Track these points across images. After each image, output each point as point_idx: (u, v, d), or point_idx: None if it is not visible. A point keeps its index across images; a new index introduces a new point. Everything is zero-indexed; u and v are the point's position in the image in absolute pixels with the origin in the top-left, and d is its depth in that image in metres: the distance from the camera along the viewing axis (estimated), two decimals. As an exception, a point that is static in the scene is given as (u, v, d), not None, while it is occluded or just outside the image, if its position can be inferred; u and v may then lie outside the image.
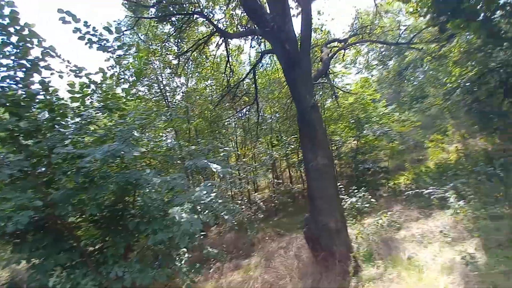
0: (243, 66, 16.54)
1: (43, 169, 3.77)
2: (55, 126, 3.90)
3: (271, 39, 5.42)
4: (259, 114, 11.61)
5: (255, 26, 6.08)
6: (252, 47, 13.13)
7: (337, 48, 8.72)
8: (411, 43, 8.61)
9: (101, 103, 3.83)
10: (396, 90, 20.29)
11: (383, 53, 19.00)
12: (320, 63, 7.70)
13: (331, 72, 10.27)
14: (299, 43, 5.61)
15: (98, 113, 3.90)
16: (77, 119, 4.00)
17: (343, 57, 11.08)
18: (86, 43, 3.84)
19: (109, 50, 4.02)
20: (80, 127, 3.75)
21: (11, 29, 3.59)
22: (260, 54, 8.47)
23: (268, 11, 5.53)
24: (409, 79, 18.94)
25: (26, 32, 3.70)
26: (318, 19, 9.85)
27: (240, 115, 16.02)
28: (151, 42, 12.69)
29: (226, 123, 16.02)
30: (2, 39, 3.61)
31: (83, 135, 3.84)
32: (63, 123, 3.98)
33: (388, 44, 10.73)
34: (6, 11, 3.54)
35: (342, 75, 14.74)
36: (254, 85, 8.92)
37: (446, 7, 5.73)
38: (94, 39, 3.89)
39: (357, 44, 10.48)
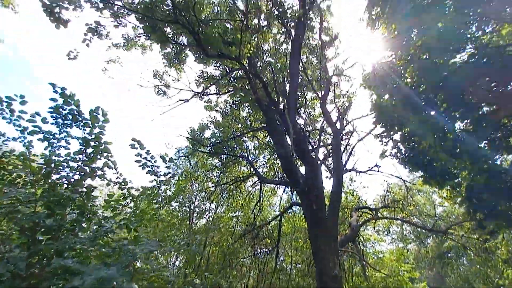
0: (273, 207, 16.91)
1: (36, 271, 3.59)
2: (76, 228, 4.02)
3: (300, 195, 5.71)
4: (277, 261, 10.57)
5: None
6: (285, 193, 13.81)
7: (368, 218, 8.60)
8: (449, 229, 8.13)
9: (125, 220, 3.99)
10: (439, 273, 17.43)
11: (419, 229, 17.98)
12: (349, 227, 7.48)
13: (360, 236, 9.71)
14: (328, 204, 5.76)
15: (118, 227, 3.99)
16: (96, 227, 4.12)
17: (374, 223, 10.73)
18: (139, 166, 4.51)
19: (157, 175, 4.60)
20: (95, 237, 3.77)
21: (91, 143, 4.50)
22: (290, 203, 8.75)
23: (304, 171, 6.18)
24: (452, 265, 16.57)
25: (102, 147, 4.58)
26: (350, 184, 10.47)
27: (258, 256, 14.86)
28: (198, 168, 14.41)
29: (241, 260, 14.77)
30: (80, 148, 4.49)
31: (93, 246, 3.80)
32: (85, 226, 4.11)
33: (423, 229, 10.24)
34: (95, 129, 4.58)
35: (374, 241, 13.71)
36: (278, 230, 8.70)
37: (481, 204, 5.71)
38: (149, 163, 4.57)
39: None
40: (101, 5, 5.32)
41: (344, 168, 6.88)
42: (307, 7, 6.81)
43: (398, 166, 8.67)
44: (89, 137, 4.49)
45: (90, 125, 4.50)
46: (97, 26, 5.65)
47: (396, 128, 7.33)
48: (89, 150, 4.57)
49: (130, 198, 4.74)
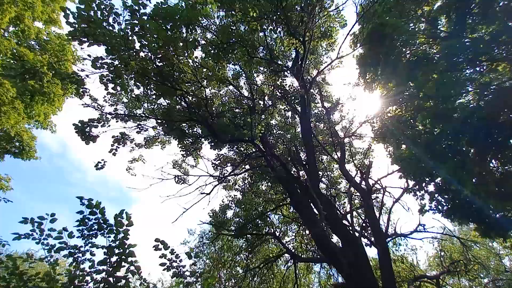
0: (312, 286, 14.86)
1: None
2: None
3: (342, 274, 4.98)
4: None
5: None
6: (323, 268, 12.27)
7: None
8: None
9: None
10: None
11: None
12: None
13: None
14: (380, 280, 4.94)
15: None
16: None
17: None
18: (164, 269, 4.21)
19: (182, 275, 4.24)
20: None
21: (116, 250, 4.37)
22: (332, 285, 7.63)
23: (338, 240, 5.57)
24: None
25: (126, 252, 4.42)
26: (396, 250, 9.16)
27: None
28: (224, 252, 13.48)
29: None
30: (104, 257, 4.33)
31: None
32: None
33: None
34: (120, 234, 4.50)
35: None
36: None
37: None
38: (174, 264, 4.28)
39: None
40: (126, 118, 6.09)
41: (386, 233, 6.16)
42: (307, 86, 7.48)
43: (443, 219, 7.76)
44: (114, 244, 4.39)
45: (115, 230, 4.46)
46: (122, 136, 6.34)
47: (428, 179, 6.86)
48: (114, 259, 4.41)
49: (156, 308, 4.28)
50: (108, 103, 7.28)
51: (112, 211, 4.51)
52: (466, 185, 6.05)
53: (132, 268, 4.39)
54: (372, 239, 5.80)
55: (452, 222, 6.31)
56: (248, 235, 10.34)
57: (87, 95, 5.30)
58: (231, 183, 11.71)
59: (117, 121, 6.07)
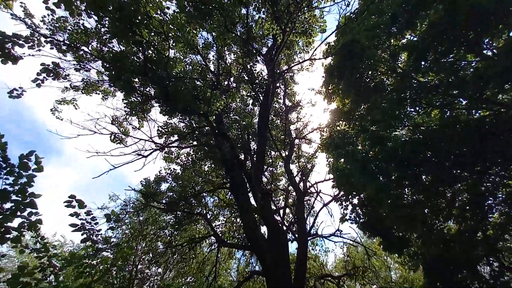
0: (230, 271, 15.32)
1: None
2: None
3: (262, 264, 5.16)
4: None
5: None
6: (243, 255, 12.70)
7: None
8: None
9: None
10: None
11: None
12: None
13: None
14: (294, 272, 5.27)
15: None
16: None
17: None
18: (73, 230, 3.70)
19: (94, 240, 3.81)
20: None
21: (13, 196, 3.69)
22: (250, 271, 7.91)
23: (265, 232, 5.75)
24: None
25: (27, 200, 3.76)
26: (313, 249, 10.08)
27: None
28: (148, 225, 12.86)
29: None
30: None
31: None
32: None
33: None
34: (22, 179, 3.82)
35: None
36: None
37: (439, 276, 5.73)
38: (88, 226, 3.81)
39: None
40: (64, 47, 5.05)
41: (309, 233, 6.63)
42: (275, 77, 7.45)
43: (357, 229, 8.74)
44: (11, 189, 3.71)
45: (17, 173, 3.77)
46: (54, 67, 5.21)
47: (355, 193, 7.58)
48: (7, 205, 3.73)
49: (51, 270, 3.77)
50: (47, 25, 5.98)
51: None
52: (382, 205, 6.88)
53: (27, 223, 3.78)
54: (296, 235, 6.21)
55: (364, 234, 7.11)
56: (178, 212, 9.99)
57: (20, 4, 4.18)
58: (174, 155, 11.12)
59: (51, 48, 4.96)
